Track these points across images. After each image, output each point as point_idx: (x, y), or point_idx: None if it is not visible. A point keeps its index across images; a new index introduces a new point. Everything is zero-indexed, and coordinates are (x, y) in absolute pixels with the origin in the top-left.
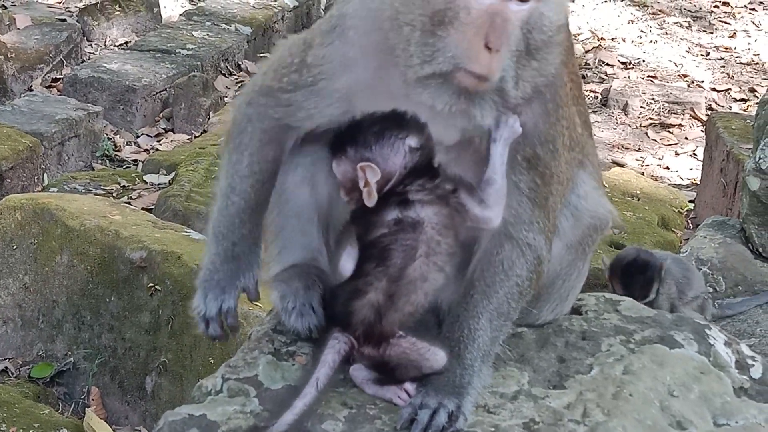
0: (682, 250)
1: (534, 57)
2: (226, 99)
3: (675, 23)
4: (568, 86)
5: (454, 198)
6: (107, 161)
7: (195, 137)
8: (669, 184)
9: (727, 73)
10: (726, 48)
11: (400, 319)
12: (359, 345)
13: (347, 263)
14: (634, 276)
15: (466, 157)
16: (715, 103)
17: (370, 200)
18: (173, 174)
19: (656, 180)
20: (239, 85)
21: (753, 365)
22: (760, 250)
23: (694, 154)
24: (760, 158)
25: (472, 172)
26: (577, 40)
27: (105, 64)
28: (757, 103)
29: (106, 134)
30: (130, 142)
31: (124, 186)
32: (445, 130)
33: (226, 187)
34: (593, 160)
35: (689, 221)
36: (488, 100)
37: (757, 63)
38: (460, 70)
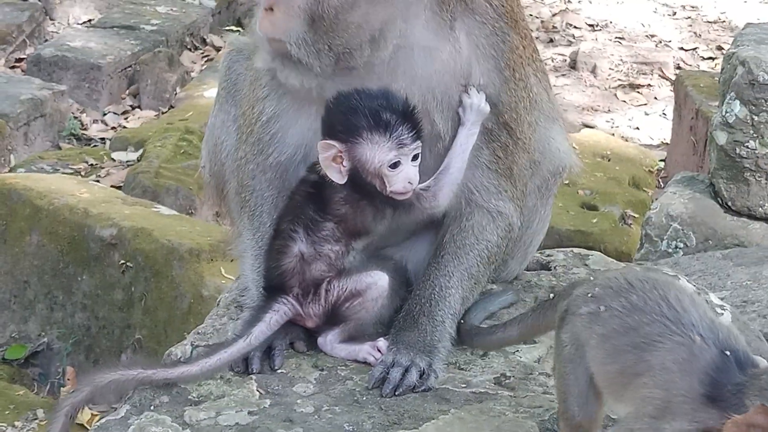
0: (652, 207)
1: (329, 27)
2: (192, 74)
3: None
4: (521, 48)
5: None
6: (74, 140)
7: (162, 113)
8: (639, 144)
9: (695, 32)
10: (692, 7)
11: (323, 265)
12: (303, 306)
13: None
14: None
15: (428, 155)
16: (683, 62)
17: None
18: (141, 151)
19: (626, 140)
20: (205, 59)
21: (722, 314)
22: (729, 203)
23: (664, 113)
24: (726, 112)
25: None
26: (544, 3)
27: (69, 43)
28: None
29: (72, 113)
30: (96, 120)
31: (92, 164)
32: None
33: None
34: (548, 108)
35: (660, 180)
36: (301, 66)
37: (724, 21)
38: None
